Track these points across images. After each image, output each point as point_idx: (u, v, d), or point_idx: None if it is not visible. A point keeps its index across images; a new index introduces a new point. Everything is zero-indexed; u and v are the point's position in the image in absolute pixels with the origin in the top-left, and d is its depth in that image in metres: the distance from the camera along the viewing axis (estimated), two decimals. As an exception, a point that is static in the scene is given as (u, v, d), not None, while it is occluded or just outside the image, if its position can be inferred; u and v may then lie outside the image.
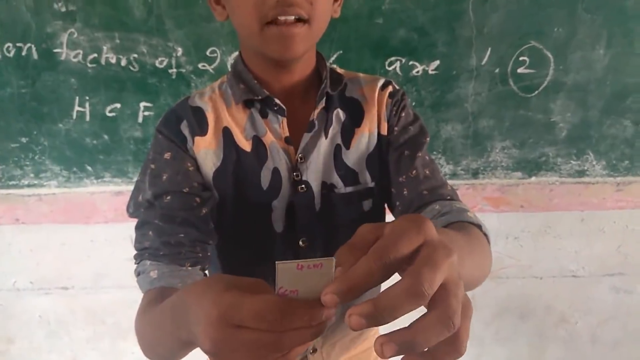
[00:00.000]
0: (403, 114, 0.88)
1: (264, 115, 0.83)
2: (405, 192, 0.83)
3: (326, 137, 0.85)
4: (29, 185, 1.60)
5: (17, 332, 1.92)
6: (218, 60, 1.44)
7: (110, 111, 1.49)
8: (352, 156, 0.87)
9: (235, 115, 0.83)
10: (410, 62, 1.48)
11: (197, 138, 0.81)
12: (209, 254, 0.80)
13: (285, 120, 0.82)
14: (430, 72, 1.49)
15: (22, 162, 1.56)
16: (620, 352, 2.10)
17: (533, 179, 1.68)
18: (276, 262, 0.39)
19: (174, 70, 1.44)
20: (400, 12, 1.41)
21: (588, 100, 1.56)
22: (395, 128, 0.87)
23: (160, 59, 1.43)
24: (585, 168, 1.67)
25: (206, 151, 0.82)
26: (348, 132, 0.86)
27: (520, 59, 1.48)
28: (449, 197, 0.80)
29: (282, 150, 0.83)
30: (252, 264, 0.86)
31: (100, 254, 1.80)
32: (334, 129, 0.86)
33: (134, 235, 1.67)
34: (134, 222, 1.56)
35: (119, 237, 1.76)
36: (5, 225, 1.70)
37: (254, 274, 0.87)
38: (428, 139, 0.88)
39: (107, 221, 1.68)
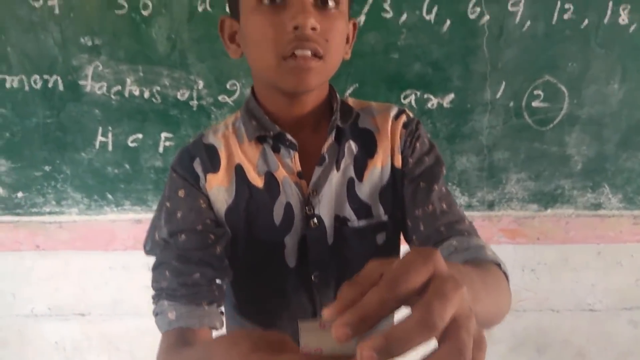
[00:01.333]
0: (418, 144, 0.87)
1: (276, 150, 0.83)
2: (421, 227, 0.82)
3: (338, 170, 0.84)
4: (50, 213, 1.63)
5: (34, 358, 1.93)
6: (238, 93, 1.47)
7: (132, 141, 1.53)
8: (365, 189, 0.86)
9: (248, 152, 0.84)
10: (426, 95, 1.50)
11: (209, 175, 0.82)
12: (224, 291, 0.81)
13: (297, 154, 0.83)
14: (445, 105, 1.51)
15: (44, 190, 1.60)
16: (640, 389, 2.06)
17: (549, 211, 1.68)
18: (298, 321, 0.39)
19: (195, 102, 1.48)
20: (416, 48, 1.44)
21: (603, 134, 1.57)
22: (410, 159, 0.86)
23: (182, 91, 1.47)
24: (602, 201, 1.67)
25: (218, 188, 0.83)
26: (360, 165, 0.86)
27: (535, 92, 1.50)
28: (466, 233, 0.79)
29: (295, 184, 0.83)
30: (266, 299, 0.89)
31: (118, 281, 1.82)
32: (345, 161, 0.85)
33: (151, 263, 1.69)
34: (152, 250, 1.58)
35: (137, 265, 1.78)
36: (25, 252, 1.73)
37: (267, 308, 0.89)
38: (444, 169, 0.87)
39: (126, 248, 1.70)
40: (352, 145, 0.86)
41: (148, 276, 1.72)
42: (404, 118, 0.88)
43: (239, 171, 0.83)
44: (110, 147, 1.54)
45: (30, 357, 1.93)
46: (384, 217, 0.87)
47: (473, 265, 0.66)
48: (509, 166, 1.61)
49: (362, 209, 0.86)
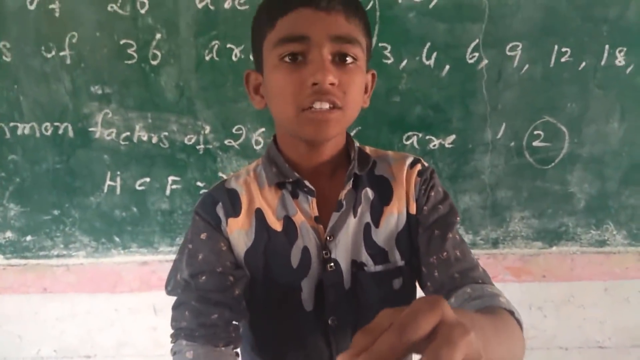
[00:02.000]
0: (432, 193, 0.89)
1: (295, 196, 0.86)
2: (436, 274, 0.84)
3: (355, 216, 0.86)
4: (58, 256, 1.65)
5: (39, 401, 1.93)
6: (243, 137, 1.51)
7: (139, 185, 1.55)
8: (382, 235, 0.88)
9: (268, 197, 0.87)
10: (427, 137, 1.53)
11: (230, 219, 0.85)
12: (240, 332, 0.83)
13: (314, 200, 0.85)
14: (446, 145, 1.54)
15: (52, 234, 1.62)
16: None
17: (554, 248, 1.68)
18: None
19: (202, 146, 1.51)
20: (416, 91, 1.47)
21: (605, 172, 1.59)
22: (425, 207, 0.88)
23: (189, 136, 1.50)
24: (606, 238, 1.67)
25: (239, 231, 0.85)
26: (377, 211, 0.88)
27: (535, 132, 1.53)
28: (480, 281, 0.81)
29: (312, 229, 0.85)
30: (283, 341, 0.90)
31: (124, 323, 1.82)
32: (362, 207, 0.87)
33: (156, 304, 1.70)
34: (157, 291, 1.61)
35: (142, 306, 1.79)
36: (33, 295, 1.74)
37: (283, 350, 0.91)
38: (458, 218, 0.89)
39: (132, 290, 1.71)
40: (368, 192, 0.88)
41: (153, 318, 1.73)
42: (419, 167, 0.91)
43: (259, 215, 0.86)
44: (118, 191, 1.56)
45: (35, 400, 1.92)
46: (400, 263, 0.89)
47: (485, 312, 0.67)
48: (512, 204, 1.62)
49: (378, 254, 0.88)
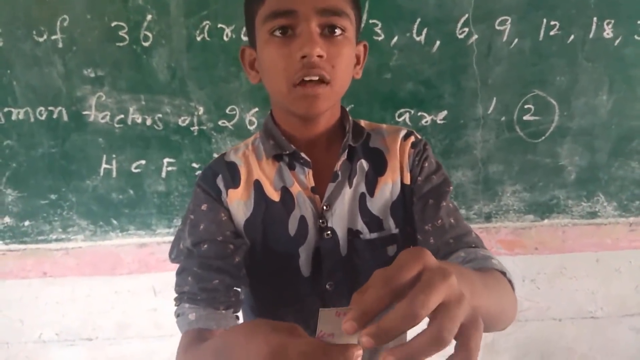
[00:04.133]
0: (426, 164, 0.92)
1: (292, 168, 0.90)
2: (431, 241, 0.87)
3: (350, 186, 0.90)
4: (57, 240, 1.67)
5: (43, 384, 1.95)
6: (237, 117, 1.52)
7: (135, 167, 1.57)
8: (377, 204, 0.91)
9: (265, 169, 0.91)
10: (419, 113, 1.54)
11: (230, 190, 0.89)
12: (241, 298, 0.86)
13: (310, 171, 0.89)
14: (438, 121, 1.56)
15: (50, 218, 1.63)
16: (645, 395, 2.06)
17: (545, 221, 1.71)
18: (320, 309, 0.46)
19: (196, 127, 1.52)
20: (407, 67, 1.48)
21: (595, 144, 1.61)
22: (419, 178, 0.91)
23: (182, 118, 1.51)
24: (597, 209, 1.70)
25: (238, 202, 0.89)
26: (371, 181, 0.92)
27: (525, 106, 1.54)
28: (473, 245, 0.85)
29: (309, 199, 0.89)
30: (282, 305, 0.94)
31: (124, 305, 1.85)
32: (357, 178, 0.91)
33: (156, 286, 1.72)
34: (156, 273, 1.63)
35: (142, 288, 1.81)
36: (33, 279, 1.75)
37: (282, 314, 0.93)
38: (451, 187, 0.93)
39: (131, 272, 1.73)
40: (363, 163, 0.92)
41: (153, 299, 1.75)
42: (412, 138, 0.94)
43: (257, 186, 0.90)
44: (114, 174, 1.57)
45: (39, 383, 1.95)
46: (395, 230, 0.92)
47: (477, 270, 0.70)
48: (503, 178, 1.64)
49: (373, 222, 0.91)
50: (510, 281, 0.74)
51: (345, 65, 0.80)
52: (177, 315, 0.83)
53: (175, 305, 0.84)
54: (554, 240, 1.74)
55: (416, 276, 0.42)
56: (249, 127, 1.53)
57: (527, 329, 1.95)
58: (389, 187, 0.92)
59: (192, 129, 1.53)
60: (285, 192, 0.89)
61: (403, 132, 0.95)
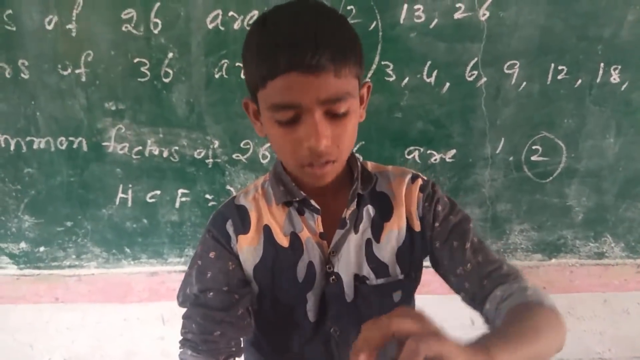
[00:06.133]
0: (439, 207, 0.92)
1: (301, 213, 0.91)
2: (467, 285, 0.88)
3: (356, 232, 0.91)
4: (70, 266, 1.70)
5: (49, 410, 1.96)
6: (251, 151, 1.56)
7: (150, 197, 1.61)
8: (383, 250, 0.91)
9: (275, 214, 0.91)
10: (429, 151, 1.57)
11: (240, 236, 0.90)
12: (241, 346, 0.91)
13: (319, 217, 0.90)
14: (447, 160, 1.58)
15: (65, 245, 1.67)
16: None
17: (553, 260, 1.72)
18: None
19: (211, 160, 1.56)
20: (418, 107, 1.52)
21: (602, 186, 1.63)
22: (436, 224, 0.91)
23: (198, 151, 1.55)
24: (604, 250, 1.71)
25: (248, 248, 0.90)
26: (377, 227, 0.92)
27: (533, 147, 1.57)
28: (506, 279, 0.84)
29: (317, 244, 0.89)
30: (287, 348, 0.96)
31: (133, 332, 1.87)
32: (364, 224, 0.91)
33: (165, 314, 1.73)
34: (166, 301, 1.66)
35: (151, 316, 1.83)
36: (45, 304, 1.78)
37: (287, 356, 0.96)
38: (471, 222, 0.92)
39: (141, 300, 1.75)
40: (369, 209, 0.92)
41: (161, 328, 1.76)
42: (419, 182, 0.94)
43: (267, 232, 0.91)
44: (129, 203, 1.61)
45: (46, 409, 1.96)
46: (400, 276, 0.93)
47: (512, 318, 0.73)
48: (511, 217, 1.66)
49: (379, 268, 0.92)
50: (551, 307, 0.76)
51: (351, 136, 0.79)
52: (181, 359, 0.88)
53: (180, 348, 0.88)
54: (561, 279, 1.75)
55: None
56: (262, 160, 1.57)
57: (534, 369, 1.93)
58: (394, 233, 0.92)
59: (207, 161, 1.57)
60: (295, 238, 0.90)
61: (409, 176, 0.95)
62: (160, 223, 1.64)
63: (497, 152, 1.58)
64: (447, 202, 0.93)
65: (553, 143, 1.57)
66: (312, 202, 0.89)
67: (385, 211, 0.93)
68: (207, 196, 1.61)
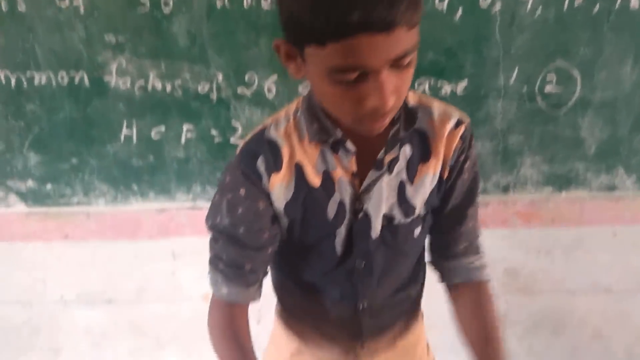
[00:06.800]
0: (468, 163, 0.91)
1: (335, 151, 0.85)
2: (446, 237, 1.00)
3: (391, 173, 0.87)
4: (78, 203, 1.70)
5: (64, 343, 2.02)
6: (256, 84, 1.51)
7: (155, 133, 1.58)
8: (415, 192, 0.90)
9: (308, 151, 0.86)
10: (439, 83, 1.53)
11: (272, 175, 0.86)
12: (268, 273, 0.99)
13: (354, 157, 0.85)
14: (458, 92, 1.54)
15: (72, 182, 1.66)
16: (657, 368, 2.08)
17: (564, 193, 1.70)
18: None
19: (215, 94, 1.53)
20: (429, 36, 1.46)
21: (616, 117, 1.58)
22: (460, 176, 0.92)
23: (202, 85, 1.51)
24: (616, 183, 1.68)
25: (280, 185, 0.87)
26: (413, 168, 0.89)
27: (548, 77, 1.52)
28: (475, 250, 1.01)
29: (349, 183, 0.87)
30: (313, 278, 1.01)
31: (144, 269, 1.89)
32: (399, 165, 0.87)
33: (175, 250, 1.75)
34: (175, 238, 1.66)
35: (161, 253, 1.85)
36: (55, 242, 1.80)
37: (311, 282, 1.01)
38: (479, 184, 0.97)
39: (151, 237, 1.76)
40: (406, 150, 0.88)
41: (172, 263, 1.79)
42: (462, 129, 0.88)
43: (299, 170, 0.87)
44: (134, 140, 1.59)
45: (61, 342, 2.02)
46: (423, 213, 0.95)
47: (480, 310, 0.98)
48: (523, 150, 1.63)
49: (409, 209, 0.91)
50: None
51: (408, 81, 0.70)
52: (211, 281, 0.93)
53: (210, 270, 0.93)
54: (571, 212, 1.74)
55: None
56: (267, 95, 1.53)
57: (540, 301, 1.96)
58: (429, 177, 0.90)
59: (211, 96, 1.53)
60: (327, 177, 0.87)
61: (454, 120, 0.88)
62: (166, 160, 1.63)
63: (511, 82, 1.53)
64: (473, 158, 0.92)
65: (568, 73, 1.52)
66: (349, 143, 0.84)
67: (423, 152, 0.88)
68: (213, 132, 1.58)
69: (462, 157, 0.90)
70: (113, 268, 1.90)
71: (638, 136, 1.61)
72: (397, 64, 0.63)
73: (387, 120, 0.72)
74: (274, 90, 1.52)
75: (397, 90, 0.67)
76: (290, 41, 0.68)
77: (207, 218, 0.93)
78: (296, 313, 1.13)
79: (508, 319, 1.97)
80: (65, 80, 1.52)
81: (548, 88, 1.54)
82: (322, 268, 0.97)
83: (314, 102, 0.84)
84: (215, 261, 0.92)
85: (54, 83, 1.52)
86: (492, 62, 1.50)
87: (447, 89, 1.54)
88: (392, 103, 0.67)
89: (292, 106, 0.90)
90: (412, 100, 0.88)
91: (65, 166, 1.64)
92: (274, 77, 1.51)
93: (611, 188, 1.69)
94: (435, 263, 1.04)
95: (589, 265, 1.90)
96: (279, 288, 1.12)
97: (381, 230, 0.91)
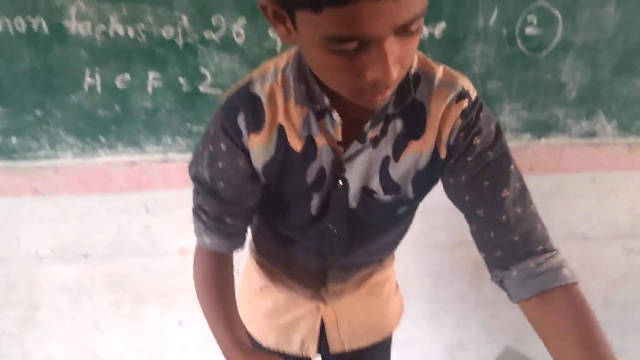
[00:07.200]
0: (478, 140, 0.78)
1: (322, 116, 0.80)
2: (491, 235, 0.81)
3: (374, 148, 0.81)
4: (45, 157, 1.64)
5: (42, 299, 2.00)
6: (224, 28, 1.44)
7: (120, 82, 1.51)
8: (399, 170, 0.83)
9: (292, 113, 0.81)
10: (416, 25, 1.46)
11: (252, 134, 0.82)
12: (248, 230, 0.99)
13: (340, 126, 0.79)
14: (436, 35, 1.48)
15: (37, 134, 1.60)
16: (632, 314, 2.12)
17: (543, 140, 1.68)
18: None
19: (181, 40, 1.45)
20: (404, -26, 1.39)
21: (598, 60, 1.54)
22: (469, 158, 0.79)
23: (166, 29, 1.44)
24: (596, 129, 1.66)
25: (259, 146, 0.83)
26: (400, 145, 0.81)
27: (528, 19, 1.46)
28: (541, 247, 0.80)
29: (332, 151, 0.82)
30: (286, 231, 1.02)
31: (117, 222, 1.86)
32: (386, 140, 0.80)
33: (148, 204, 1.71)
34: (148, 191, 1.61)
35: (134, 206, 1.81)
36: (25, 197, 1.75)
37: (285, 241, 1.03)
38: (513, 166, 0.80)
39: (122, 190, 1.72)
40: (397, 125, 0.80)
41: (146, 217, 1.75)
42: (464, 104, 0.77)
43: (280, 132, 0.82)
44: (99, 89, 1.52)
45: (38, 298, 2.00)
46: (411, 195, 0.87)
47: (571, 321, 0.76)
48: (502, 96, 1.59)
49: (391, 186, 0.85)
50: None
51: (413, 51, 0.63)
52: (195, 231, 0.95)
53: (194, 219, 0.94)
54: (550, 160, 1.72)
55: None
56: (236, 39, 1.46)
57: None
58: (417, 155, 0.81)
59: (176, 41, 1.46)
60: (309, 141, 0.81)
61: (455, 93, 0.77)
62: (133, 110, 1.56)
63: (490, 24, 1.47)
64: (491, 134, 0.79)
65: (549, 14, 1.46)
66: (335, 114, 0.77)
67: (415, 128, 0.80)
68: (180, 80, 1.52)
69: (468, 135, 0.78)
70: (86, 223, 1.86)
71: (619, 80, 1.57)
72: (403, 30, 0.56)
73: (389, 93, 0.65)
74: (243, 34, 1.45)
75: (401, 60, 0.60)
76: (278, 2, 0.60)
77: (190, 166, 0.92)
78: (268, 255, 1.16)
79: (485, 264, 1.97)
80: (23, 27, 1.43)
81: (529, 30, 1.48)
82: (296, 223, 0.97)
83: (304, 63, 0.77)
84: (197, 212, 0.92)
85: (11, 30, 1.43)
86: (471, 2, 1.44)
87: (424, 32, 1.47)
88: (396, 75, 0.60)
89: (282, 59, 0.83)
90: (418, 62, 0.79)
91: (29, 118, 1.57)
92: (242, 20, 1.43)
93: (591, 134, 1.67)
94: (499, 282, 0.87)
95: (567, 212, 1.89)
96: (254, 230, 1.14)
97: (359, 202, 0.88)
